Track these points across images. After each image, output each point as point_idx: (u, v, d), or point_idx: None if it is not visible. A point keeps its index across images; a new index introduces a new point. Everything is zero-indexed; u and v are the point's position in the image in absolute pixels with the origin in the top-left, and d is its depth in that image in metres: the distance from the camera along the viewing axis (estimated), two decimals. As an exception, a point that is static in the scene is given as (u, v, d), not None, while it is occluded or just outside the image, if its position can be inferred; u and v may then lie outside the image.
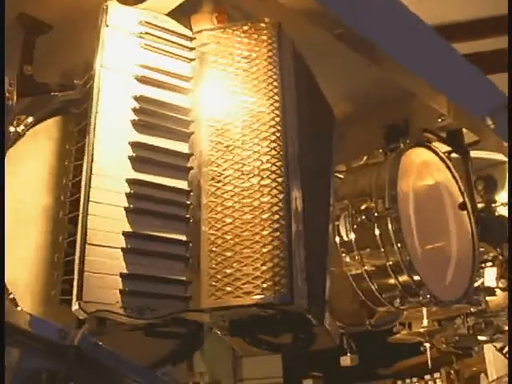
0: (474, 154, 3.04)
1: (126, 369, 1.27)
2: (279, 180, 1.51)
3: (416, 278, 2.26)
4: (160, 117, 1.60)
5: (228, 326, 1.58)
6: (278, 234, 1.47)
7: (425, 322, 3.38)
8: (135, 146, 1.53)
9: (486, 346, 4.90)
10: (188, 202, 1.55)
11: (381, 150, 2.53)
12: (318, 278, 1.65)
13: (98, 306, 1.38)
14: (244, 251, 1.46)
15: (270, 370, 6.34)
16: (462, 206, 2.66)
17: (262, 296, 1.43)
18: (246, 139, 1.56)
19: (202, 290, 1.47)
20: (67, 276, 1.55)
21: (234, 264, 1.46)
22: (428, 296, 2.28)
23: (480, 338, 4.12)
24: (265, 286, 1.43)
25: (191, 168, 1.58)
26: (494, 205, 3.27)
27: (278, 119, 1.58)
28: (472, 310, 3.79)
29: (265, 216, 1.48)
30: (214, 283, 1.46)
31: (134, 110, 1.57)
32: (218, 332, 1.64)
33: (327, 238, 1.82)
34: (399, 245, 2.24)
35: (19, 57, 1.94)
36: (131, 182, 1.50)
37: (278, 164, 1.53)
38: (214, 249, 1.48)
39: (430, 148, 2.66)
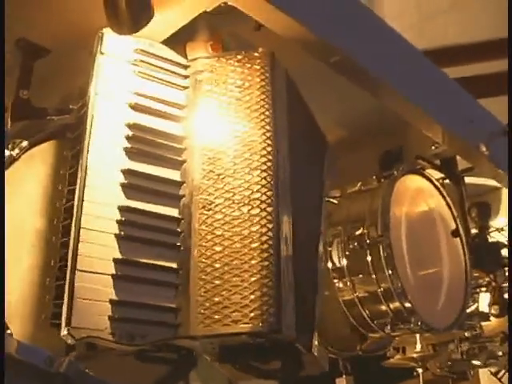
0: (468, 180, 3.05)
1: None
2: (269, 209, 1.53)
3: (407, 305, 2.27)
4: (153, 144, 1.61)
5: (217, 353, 1.58)
6: (267, 263, 1.48)
7: (418, 347, 3.38)
8: (127, 173, 1.55)
9: (480, 369, 4.89)
10: (179, 230, 1.56)
11: (374, 177, 2.55)
12: (307, 305, 1.67)
13: (87, 332, 1.39)
14: (233, 280, 1.47)
15: (265, 392, 6.31)
16: (455, 233, 2.67)
17: (250, 325, 1.44)
18: (238, 168, 1.58)
19: (192, 317, 1.48)
20: (58, 300, 1.55)
21: (223, 292, 1.47)
22: (419, 323, 2.29)
23: (474, 362, 4.12)
24: (253, 314, 1.44)
25: (183, 196, 1.59)
26: (487, 231, 3.28)
27: (269, 149, 1.60)
28: (466, 334, 3.79)
29: (254, 245, 1.49)
30: (203, 311, 1.47)
31: (127, 138, 1.59)
32: (208, 358, 1.65)
33: (317, 266, 1.83)
34: (390, 271, 2.25)
35: (16, 81, 1.95)
36: (123, 209, 1.51)
37: (269, 194, 1.54)
38: (203, 276, 1.50)
39: (423, 175, 2.67)
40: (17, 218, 1.67)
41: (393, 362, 3.56)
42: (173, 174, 1.61)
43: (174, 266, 1.53)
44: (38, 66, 1.98)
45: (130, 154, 1.58)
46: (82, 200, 1.48)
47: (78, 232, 1.45)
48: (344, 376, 3.35)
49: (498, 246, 3.20)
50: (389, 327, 2.33)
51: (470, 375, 5.63)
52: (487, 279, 3.34)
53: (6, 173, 1.71)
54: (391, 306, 2.30)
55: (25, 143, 1.79)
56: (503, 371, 4.38)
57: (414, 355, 3.38)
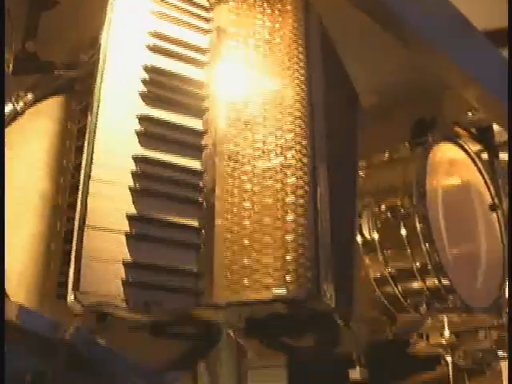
0: (502, 156, 2.89)
1: (127, 370, 1.08)
2: (305, 160, 1.34)
3: (445, 281, 2.10)
4: (172, 90, 1.43)
5: (243, 326, 1.40)
6: (303, 220, 1.29)
7: (446, 334, 3.17)
8: (144, 120, 1.37)
9: (502, 363, 4.70)
10: (201, 184, 1.38)
11: (407, 144, 2.37)
12: (345, 273, 1.48)
13: (96, 298, 1.21)
14: (264, 239, 1.29)
15: (276, 386, 6.18)
16: (493, 207, 2.50)
17: (285, 290, 1.25)
18: (268, 115, 1.40)
19: (216, 282, 1.29)
20: (65, 267, 1.38)
21: (253, 254, 1.28)
22: (458, 302, 2.12)
23: (500, 353, 3.93)
24: (288, 278, 1.25)
25: (205, 146, 1.41)
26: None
27: (303, 94, 1.41)
28: (494, 322, 3.60)
29: (288, 200, 1.31)
30: (229, 275, 1.29)
31: (144, 82, 1.40)
32: (231, 332, 1.47)
33: (355, 232, 1.64)
34: (428, 245, 2.08)
35: (22, 32, 1.80)
36: (138, 160, 1.33)
37: (304, 142, 1.36)
38: (229, 236, 1.31)
39: (459, 144, 2.50)
40: (19, 179, 1.51)
41: (419, 349, 3.36)
42: (194, 123, 1.42)
43: (196, 224, 1.34)
44: (45, 16, 1.84)
45: (147, 99, 1.39)
46: (93, 149, 1.30)
47: (87, 184, 1.27)
48: (358, 367, 3.17)
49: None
50: (424, 306, 2.16)
51: (488, 369, 5.44)
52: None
53: (8, 129, 1.56)
54: (427, 282, 2.13)
55: (30, 96, 1.63)
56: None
57: (443, 341, 3.17)
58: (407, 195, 2.16)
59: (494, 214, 2.55)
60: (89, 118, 1.35)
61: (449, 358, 3.46)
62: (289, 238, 1.28)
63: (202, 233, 1.34)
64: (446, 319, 3.15)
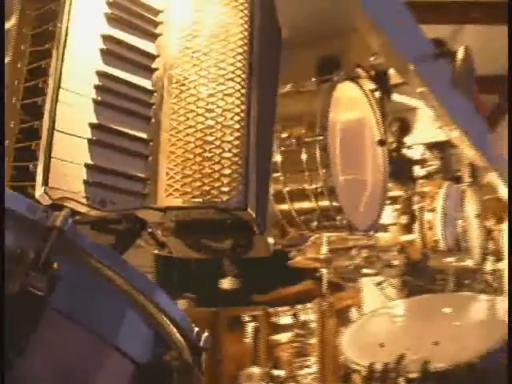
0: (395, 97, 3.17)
1: (105, 258, 1.25)
2: (242, 91, 1.56)
3: (335, 203, 2.39)
4: (132, 13, 1.60)
5: (173, 227, 1.63)
6: (238, 142, 1.53)
7: (324, 249, 3.53)
8: (107, 39, 1.54)
9: (363, 280, 5.15)
10: (151, 102, 1.58)
11: (314, 79, 2.61)
12: (263, 189, 1.72)
13: (63, 193, 1.40)
14: (204, 155, 1.51)
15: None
16: (381, 143, 2.80)
17: (219, 199, 1.49)
18: (213, 48, 1.60)
19: (160, 188, 1.51)
20: (17, 162, 1.55)
21: (193, 166, 1.51)
22: (344, 222, 2.42)
23: (365, 270, 4.34)
24: (222, 189, 1.49)
25: (156, 69, 1.60)
26: (403, 147, 3.45)
27: (246, 33, 1.62)
28: (368, 242, 3.99)
29: (227, 123, 1.53)
30: (172, 183, 1.51)
31: (108, 3, 1.57)
32: (159, 232, 1.69)
33: (272, 153, 1.88)
34: (324, 170, 2.36)
35: None
36: (101, 75, 1.51)
37: (243, 76, 1.57)
38: (173, 149, 1.53)
39: (358, 84, 2.77)
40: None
41: (299, 262, 3.71)
42: (148, 46, 1.61)
43: (145, 136, 1.55)
44: None
45: (110, 20, 1.56)
46: (62, 59, 1.46)
47: (56, 92, 1.44)
48: (229, 278, 3.45)
49: (412, 161, 3.39)
50: (315, 223, 2.45)
51: (348, 286, 5.91)
52: (393, 193, 3.52)
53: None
54: (320, 203, 2.41)
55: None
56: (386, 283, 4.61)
57: (321, 256, 3.53)
58: (311, 125, 2.42)
59: (380, 149, 2.86)
60: (56, 35, 1.50)
61: (324, 271, 3.85)
62: (226, 155, 1.51)
63: (150, 144, 1.55)
64: (325, 237, 3.51)
